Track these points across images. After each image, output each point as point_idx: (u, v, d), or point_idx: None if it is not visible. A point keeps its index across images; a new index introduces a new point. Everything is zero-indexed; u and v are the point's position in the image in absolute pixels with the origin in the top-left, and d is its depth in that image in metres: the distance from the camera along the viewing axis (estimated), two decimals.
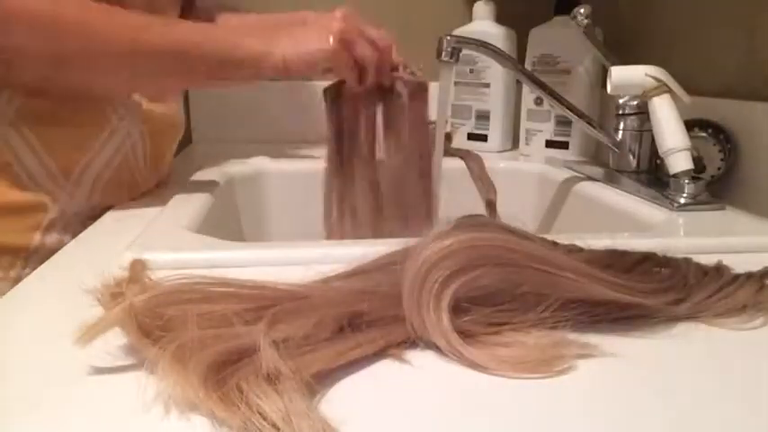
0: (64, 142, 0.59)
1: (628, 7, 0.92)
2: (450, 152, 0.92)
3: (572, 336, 0.34)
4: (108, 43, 0.55)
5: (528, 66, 0.92)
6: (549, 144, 0.92)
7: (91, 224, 0.57)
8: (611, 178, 0.72)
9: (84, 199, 0.61)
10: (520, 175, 0.90)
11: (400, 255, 0.37)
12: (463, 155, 0.92)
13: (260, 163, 0.87)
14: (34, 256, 0.58)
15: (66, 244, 0.53)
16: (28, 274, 0.46)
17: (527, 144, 0.94)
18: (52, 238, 0.59)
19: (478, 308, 0.34)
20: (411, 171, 0.67)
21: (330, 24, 0.60)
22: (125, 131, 0.63)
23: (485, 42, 0.72)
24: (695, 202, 0.60)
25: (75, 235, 0.55)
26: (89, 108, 0.61)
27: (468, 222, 0.37)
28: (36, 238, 0.58)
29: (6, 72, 0.55)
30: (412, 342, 0.33)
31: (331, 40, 0.59)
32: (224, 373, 0.28)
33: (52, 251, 0.51)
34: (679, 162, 0.61)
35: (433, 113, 0.73)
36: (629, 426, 0.27)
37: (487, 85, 0.96)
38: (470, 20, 0.97)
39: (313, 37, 0.60)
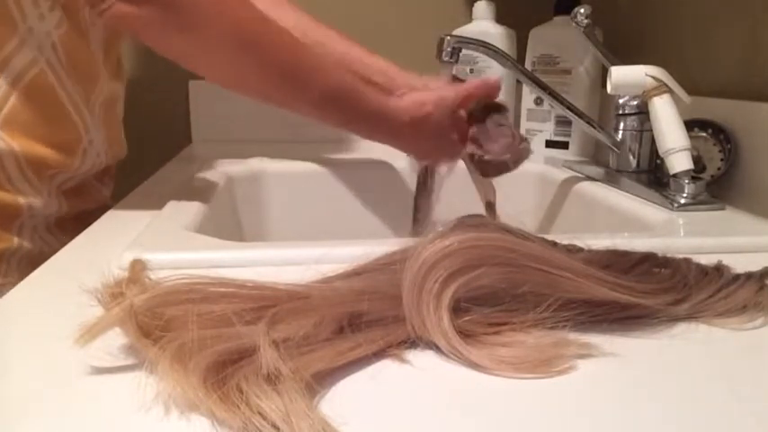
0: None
1: (628, 7, 0.92)
2: None
3: (572, 336, 0.34)
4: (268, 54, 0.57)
5: (528, 66, 0.92)
6: (549, 144, 0.91)
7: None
8: (611, 178, 0.72)
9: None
10: (520, 175, 0.90)
11: (400, 255, 0.37)
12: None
13: (260, 163, 0.87)
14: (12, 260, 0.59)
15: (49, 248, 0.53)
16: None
17: None
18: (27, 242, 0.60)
19: (478, 308, 0.34)
20: None
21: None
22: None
23: (485, 42, 0.72)
24: (695, 202, 0.60)
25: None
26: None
27: (468, 222, 0.37)
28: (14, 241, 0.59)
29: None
30: (412, 342, 0.33)
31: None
32: (224, 373, 0.28)
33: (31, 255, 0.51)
34: (679, 162, 0.61)
35: None
36: (629, 426, 0.27)
37: None
38: (470, 20, 0.96)
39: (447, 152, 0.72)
